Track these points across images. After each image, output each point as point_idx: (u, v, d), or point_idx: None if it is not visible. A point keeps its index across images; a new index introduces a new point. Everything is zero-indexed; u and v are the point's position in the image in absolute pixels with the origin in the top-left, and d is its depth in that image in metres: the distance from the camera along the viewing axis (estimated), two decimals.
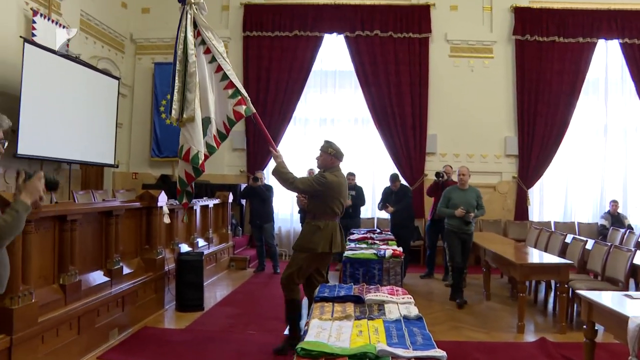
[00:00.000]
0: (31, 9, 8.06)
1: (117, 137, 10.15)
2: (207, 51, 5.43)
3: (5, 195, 3.87)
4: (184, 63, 5.26)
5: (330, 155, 5.28)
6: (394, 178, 9.33)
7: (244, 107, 5.46)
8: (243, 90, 5.49)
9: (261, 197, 9.51)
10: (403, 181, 10.55)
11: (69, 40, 8.37)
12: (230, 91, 5.46)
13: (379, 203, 9.64)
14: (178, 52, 5.32)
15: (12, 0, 7.77)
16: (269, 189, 9.63)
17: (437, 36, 11.42)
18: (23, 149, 7.51)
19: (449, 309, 7.08)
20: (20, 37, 7.61)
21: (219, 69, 5.48)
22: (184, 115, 5.21)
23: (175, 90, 5.27)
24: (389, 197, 9.35)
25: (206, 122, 5.40)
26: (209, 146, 5.38)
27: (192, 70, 5.24)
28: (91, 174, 10.49)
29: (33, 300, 4.09)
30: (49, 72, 7.98)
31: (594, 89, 11.52)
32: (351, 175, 9.63)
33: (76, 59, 8.75)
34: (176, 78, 5.30)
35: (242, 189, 10.62)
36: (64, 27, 8.63)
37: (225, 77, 5.49)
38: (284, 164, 5.25)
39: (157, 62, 11.61)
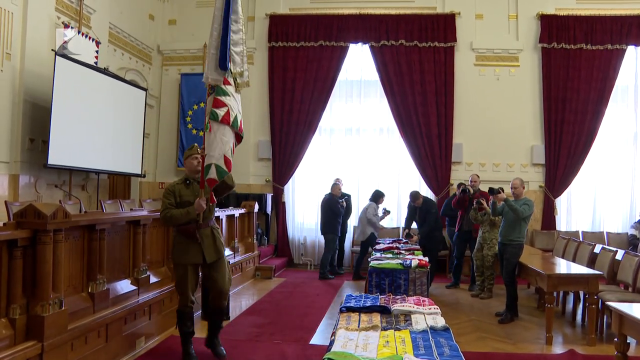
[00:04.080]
0: (62, 22, 8.24)
1: (144, 147, 10.28)
2: None
3: (37, 205, 3.94)
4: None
5: None
6: (414, 196, 9.27)
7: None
8: None
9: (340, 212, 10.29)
10: (429, 193, 10.60)
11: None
12: None
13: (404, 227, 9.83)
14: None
15: (45, 14, 7.95)
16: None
17: (463, 45, 11.35)
18: (53, 159, 7.65)
19: (475, 320, 7.00)
20: (52, 50, 7.77)
21: None
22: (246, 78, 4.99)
23: (231, 43, 4.88)
24: (414, 214, 9.35)
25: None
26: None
27: (238, 28, 4.92)
28: (119, 184, 10.64)
29: (63, 308, 4.15)
30: (78, 84, 8.13)
31: (623, 96, 11.30)
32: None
33: (105, 71, 8.90)
34: (231, 27, 4.90)
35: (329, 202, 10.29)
36: (93, 39, 8.80)
37: None
38: None
39: (184, 73, 11.73)
